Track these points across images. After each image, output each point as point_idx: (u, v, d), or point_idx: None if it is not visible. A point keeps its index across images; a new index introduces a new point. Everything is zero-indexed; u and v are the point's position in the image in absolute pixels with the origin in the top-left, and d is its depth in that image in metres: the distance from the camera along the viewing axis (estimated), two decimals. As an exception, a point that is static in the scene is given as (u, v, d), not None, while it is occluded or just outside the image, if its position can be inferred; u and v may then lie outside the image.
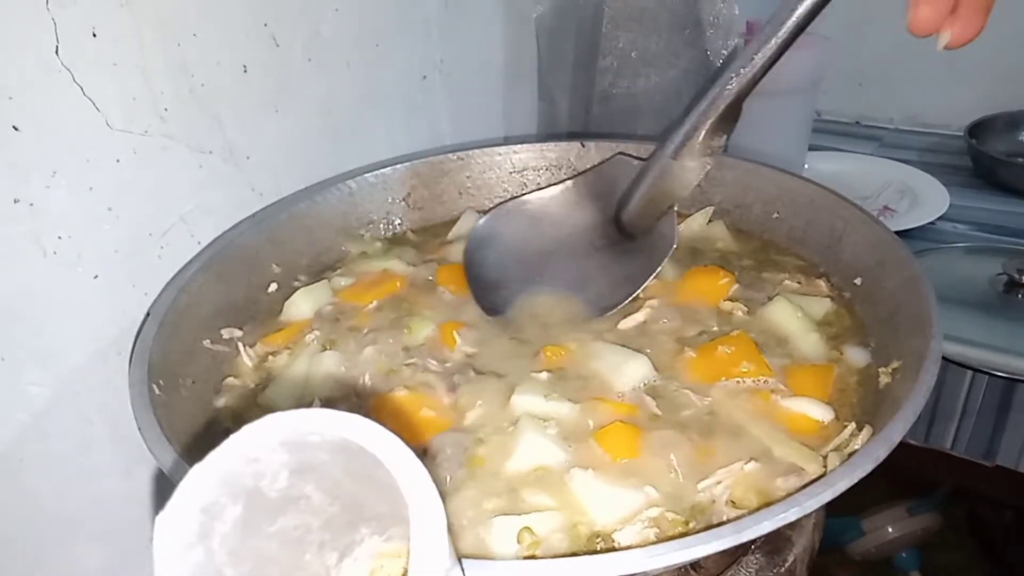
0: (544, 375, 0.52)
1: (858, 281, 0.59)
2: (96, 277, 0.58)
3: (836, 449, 0.43)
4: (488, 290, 0.63)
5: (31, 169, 0.52)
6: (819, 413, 0.47)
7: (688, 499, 0.42)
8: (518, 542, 0.39)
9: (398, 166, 0.76)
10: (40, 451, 0.56)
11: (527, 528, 0.39)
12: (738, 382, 0.50)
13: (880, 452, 0.36)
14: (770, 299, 0.58)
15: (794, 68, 1.03)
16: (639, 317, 0.58)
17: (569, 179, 0.70)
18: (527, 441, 0.45)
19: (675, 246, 0.59)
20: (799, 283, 0.61)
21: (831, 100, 1.39)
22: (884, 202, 1.14)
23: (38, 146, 0.52)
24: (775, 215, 0.69)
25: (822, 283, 0.61)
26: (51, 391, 0.56)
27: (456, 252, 0.70)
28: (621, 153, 0.68)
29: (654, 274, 0.59)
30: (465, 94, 0.95)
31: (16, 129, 0.51)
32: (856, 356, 0.53)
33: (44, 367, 0.55)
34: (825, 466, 0.42)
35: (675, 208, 0.60)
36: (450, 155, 0.78)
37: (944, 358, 0.44)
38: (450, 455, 0.46)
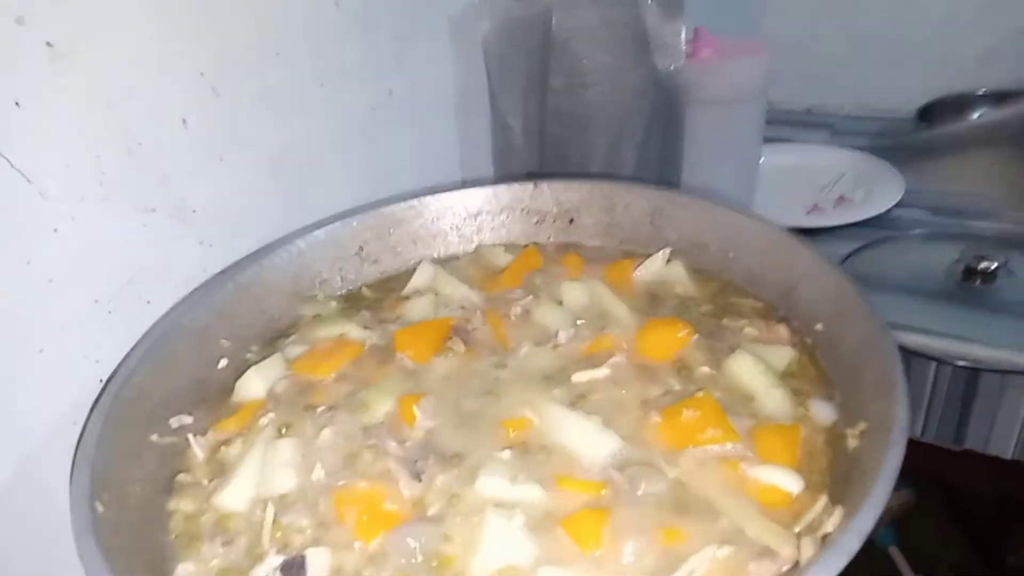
0: (507, 453, 0.50)
1: (819, 327, 0.58)
2: (42, 351, 0.55)
3: (809, 529, 0.43)
4: None
5: None
6: (789, 483, 0.46)
7: (658, 595, 0.41)
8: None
9: (348, 220, 0.74)
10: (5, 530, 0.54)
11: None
12: (705, 450, 0.49)
13: (853, 544, 0.35)
14: (732, 350, 0.58)
15: (743, 76, 1.03)
16: (599, 374, 0.57)
17: None
18: (494, 537, 0.44)
19: None
20: (759, 330, 0.61)
21: (781, 89, 1.40)
22: (840, 192, 1.15)
23: None
24: (731, 255, 0.68)
25: (782, 329, 0.61)
26: (10, 472, 0.54)
27: (414, 309, 0.69)
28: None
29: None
30: (419, 126, 0.93)
31: None
32: (822, 412, 0.52)
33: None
34: (799, 548, 0.41)
35: None
36: (401, 204, 0.76)
37: (907, 349, 0.44)
38: (416, 554, 0.44)
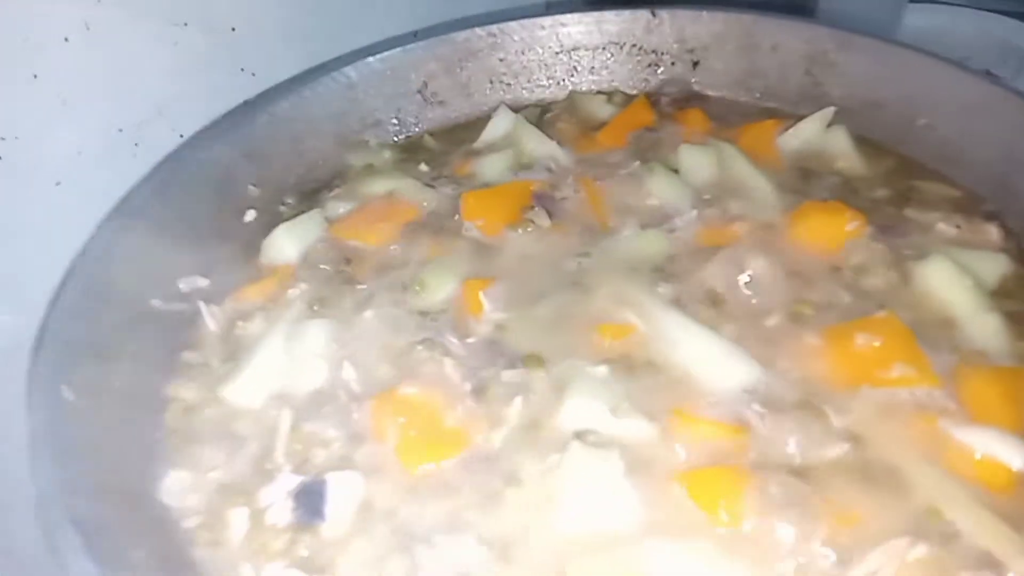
0: (603, 369, 0.37)
1: (1052, 229, 0.41)
2: (58, 184, 0.48)
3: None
4: None
5: None
6: (1012, 455, 0.32)
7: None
8: None
9: (411, 46, 0.58)
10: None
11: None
12: (890, 393, 0.35)
13: None
14: (921, 254, 0.42)
15: None
16: (732, 273, 0.42)
17: None
18: (581, 485, 0.32)
19: None
20: (958, 227, 0.44)
21: None
22: (987, 66, 0.93)
23: None
24: (920, 121, 0.50)
25: (992, 229, 0.44)
26: (12, 321, 0.45)
27: (488, 168, 0.54)
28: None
29: None
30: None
31: None
32: (1058, 351, 0.37)
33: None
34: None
35: None
36: (478, 30, 0.59)
37: None
38: (470, 501, 0.33)
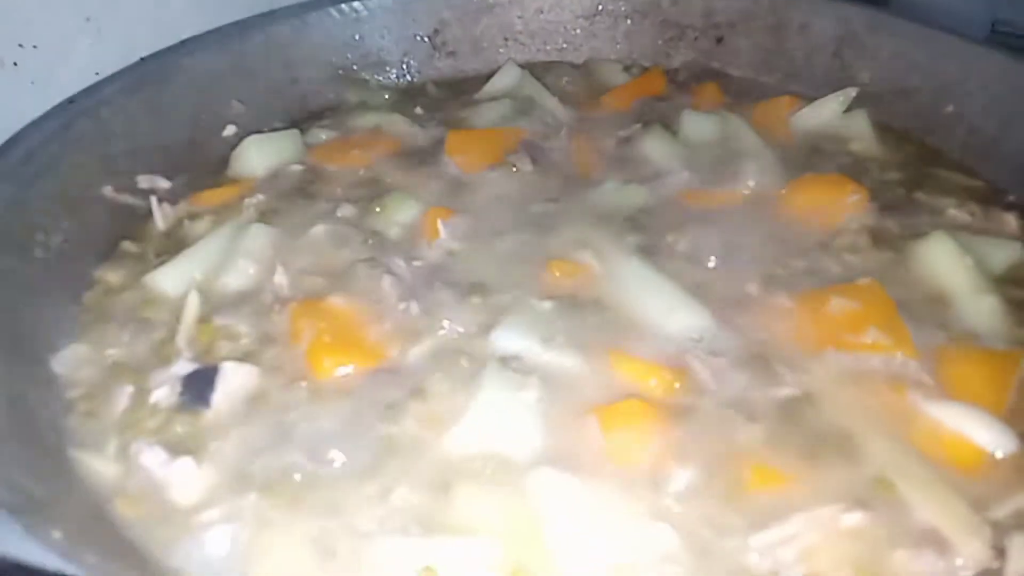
0: (548, 304, 0.34)
1: (1077, 223, 0.37)
2: (73, 102, 0.45)
3: (1020, 519, 0.24)
4: None
5: None
6: (988, 437, 0.27)
7: (730, 562, 0.24)
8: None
9: (426, -11, 0.56)
10: None
11: (429, 569, 0.23)
12: (856, 357, 0.31)
13: None
14: (920, 235, 0.37)
15: None
16: (708, 233, 0.39)
17: None
18: (486, 407, 0.28)
19: None
20: (972, 215, 0.40)
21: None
22: None
23: None
24: (949, 108, 0.46)
25: (1011, 219, 0.40)
26: None
27: (483, 115, 0.52)
28: None
29: None
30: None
31: None
32: (1061, 344, 0.32)
33: None
34: (1001, 553, 0.23)
35: None
36: (497, -18, 0.58)
37: None
38: (367, 410, 0.30)
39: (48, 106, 0.46)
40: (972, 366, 0.30)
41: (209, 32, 0.50)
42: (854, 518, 0.25)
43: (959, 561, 0.23)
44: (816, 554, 0.24)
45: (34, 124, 0.39)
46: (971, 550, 0.24)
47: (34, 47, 0.47)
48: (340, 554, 0.25)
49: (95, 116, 0.41)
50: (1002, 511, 0.25)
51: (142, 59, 0.46)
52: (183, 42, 0.49)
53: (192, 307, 0.34)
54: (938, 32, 0.47)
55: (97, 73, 0.48)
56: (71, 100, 0.42)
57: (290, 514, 0.26)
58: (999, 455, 0.27)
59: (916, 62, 0.48)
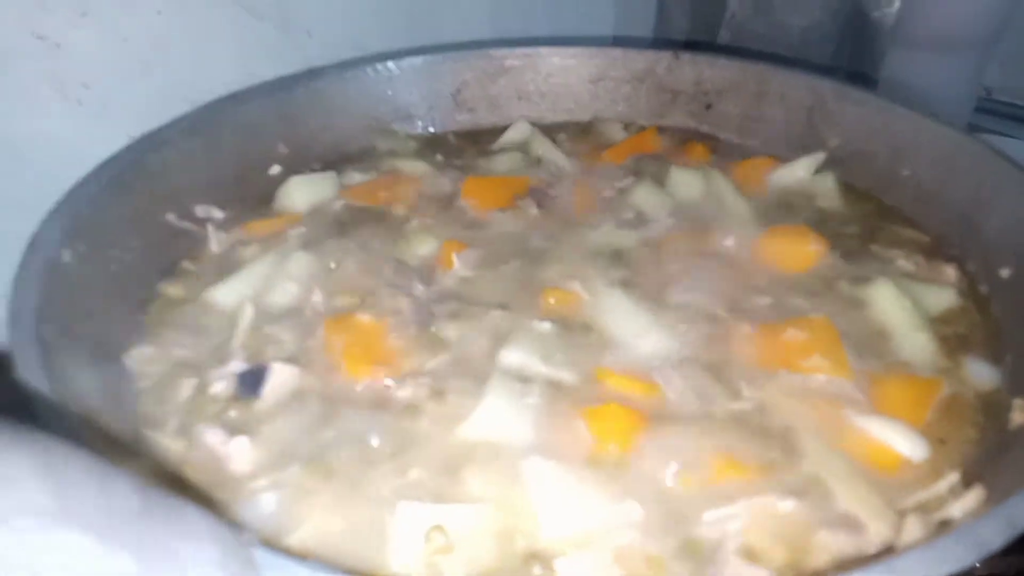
0: (547, 325, 0.40)
1: (1005, 273, 0.43)
2: (119, 132, 0.52)
3: (921, 508, 0.30)
4: None
5: (58, 5, 0.48)
6: (906, 445, 0.33)
7: (683, 531, 0.30)
8: (425, 543, 0.29)
9: (451, 53, 0.64)
10: None
11: (438, 527, 0.29)
12: (803, 379, 0.36)
13: (992, 537, 0.22)
14: (870, 280, 0.43)
15: (971, 13, 0.81)
16: (683, 270, 0.45)
17: None
18: (492, 406, 0.34)
19: None
20: (916, 265, 0.46)
21: (1003, 74, 1.13)
22: None
23: None
24: (904, 172, 0.53)
25: (949, 270, 0.45)
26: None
27: (497, 164, 0.59)
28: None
29: None
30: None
31: None
32: (979, 373, 0.38)
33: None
34: (899, 531, 0.28)
35: None
36: (514, 49, 0.65)
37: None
38: (391, 406, 0.35)
39: (108, 140, 0.53)
40: (900, 388, 0.36)
41: (260, 84, 0.58)
42: (788, 505, 0.30)
43: (868, 538, 0.29)
44: (755, 530, 0.29)
45: (113, 158, 0.46)
46: (878, 529, 0.29)
47: (90, 88, 0.54)
48: (364, 514, 0.30)
49: (161, 153, 0.48)
50: (908, 502, 0.30)
51: (203, 106, 0.54)
52: (236, 93, 0.57)
53: (247, 317, 0.40)
54: (893, 104, 0.54)
55: (148, 109, 0.56)
56: (141, 138, 0.49)
57: (324, 483, 0.32)
58: (914, 460, 0.33)
59: (875, 129, 0.55)
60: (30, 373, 0.30)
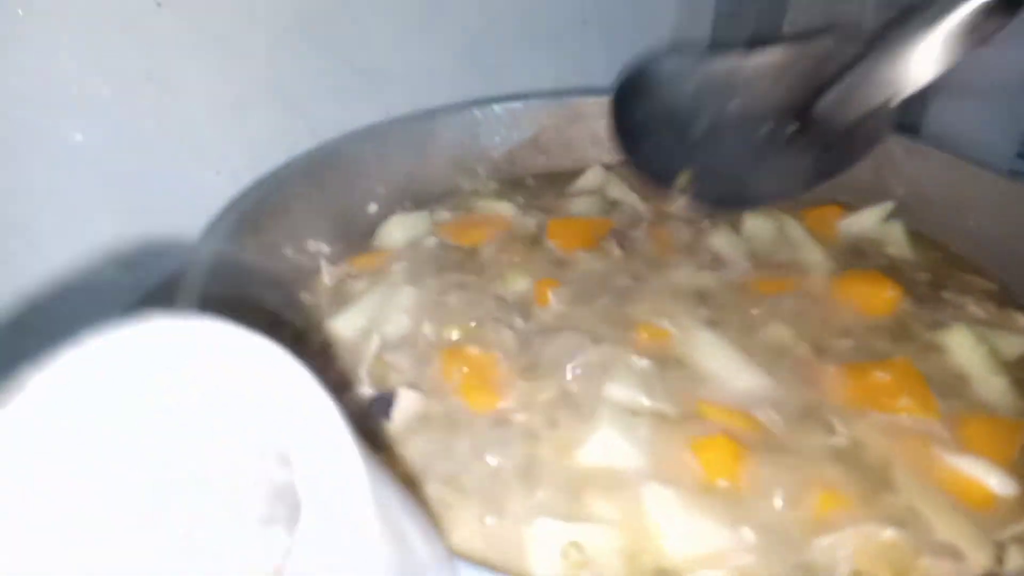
0: (644, 362, 0.43)
1: (1074, 323, 0.45)
2: (216, 170, 0.58)
3: (1018, 540, 0.32)
4: (636, 143, 0.56)
5: (167, 48, 0.51)
6: (996, 483, 0.36)
7: (795, 556, 0.32)
8: (562, 558, 0.32)
9: (530, 101, 0.68)
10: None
11: (574, 544, 0.32)
12: (892, 418, 0.39)
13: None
14: (945, 325, 0.46)
15: (1008, 61, 0.84)
16: (768, 311, 0.48)
17: (767, 46, 0.58)
18: (605, 435, 0.37)
19: (876, 145, 0.50)
20: (987, 312, 0.49)
21: None
22: None
23: (176, 26, 0.51)
24: (969, 222, 0.56)
25: (1021, 317, 0.48)
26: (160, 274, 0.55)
27: (575, 207, 0.63)
28: (838, 29, 0.56)
29: (834, 175, 0.51)
30: (626, 46, 0.85)
31: (159, 5, 0.50)
32: (1057, 418, 0.40)
33: (153, 252, 0.55)
34: (1002, 561, 0.31)
35: (894, 104, 0.49)
36: (588, 98, 0.69)
37: None
38: (512, 432, 0.39)
39: (206, 181, 0.58)
40: (985, 429, 0.39)
41: (363, 129, 0.62)
42: (890, 533, 0.33)
43: (970, 566, 0.31)
44: (863, 555, 0.32)
45: (242, 196, 0.50)
46: (977, 558, 0.31)
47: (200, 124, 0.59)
48: (503, 530, 0.33)
49: (281, 192, 0.53)
50: (1004, 534, 0.33)
51: (315, 148, 0.58)
52: (342, 136, 0.61)
53: (373, 346, 0.44)
54: (959, 159, 0.57)
55: (240, 148, 0.60)
56: (264, 178, 0.53)
57: (462, 499, 0.35)
58: (1004, 496, 0.35)
59: (942, 182, 0.58)
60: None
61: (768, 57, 0.56)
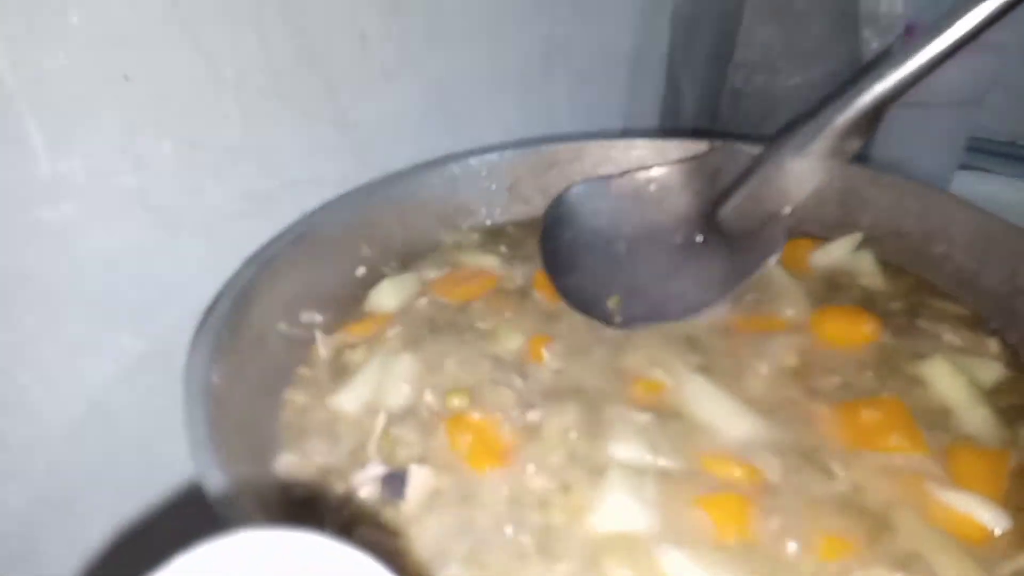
0: (646, 416, 0.45)
1: (1044, 347, 0.48)
2: (194, 236, 0.58)
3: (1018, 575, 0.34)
4: (564, 272, 0.58)
5: (139, 121, 0.51)
6: (988, 517, 0.37)
7: (811, 605, 0.34)
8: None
9: (506, 152, 0.70)
10: (128, 400, 0.56)
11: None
12: (886, 457, 0.41)
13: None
14: (924, 356, 0.48)
15: (956, 76, 0.89)
16: (753, 352, 0.50)
17: (664, 164, 0.64)
18: (615, 499, 0.38)
19: (777, 255, 0.53)
20: (962, 339, 0.51)
21: (982, 114, 1.21)
22: None
23: (147, 98, 0.51)
24: (938, 250, 0.58)
25: (992, 343, 0.51)
26: (144, 346, 0.56)
27: (558, 254, 0.64)
28: (727, 144, 0.61)
29: (746, 282, 0.53)
30: (587, 81, 0.88)
31: (127, 79, 0.50)
32: (1040, 443, 0.42)
33: (139, 322, 0.55)
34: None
35: (786, 212, 0.53)
36: (561, 145, 0.71)
37: None
38: (524, 500, 0.40)
39: (181, 241, 0.58)
40: (972, 461, 0.41)
41: (343, 195, 0.63)
42: (897, 576, 0.35)
43: (973, 604, 0.33)
44: (873, 600, 0.34)
45: (236, 276, 0.50)
46: (982, 596, 0.33)
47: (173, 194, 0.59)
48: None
49: (272, 266, 0.53)
50: (1004, 570, 0.35)
51: (301, 218, 0.59)
52: (324, 205, 0.62)
53: (380, 422, 0.44)
54: (925, 187, 0.60)
55: (218, 213, 0.61)
56: (255, 254, 0.54)
57: (483, 578, 0.36)
58: (997, 531, 0.37)
59: (908, 210, 0.60)
60: (226, 501, 0.35)
61: (667, 172, 0.63)
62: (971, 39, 0.43)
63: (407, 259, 0.64)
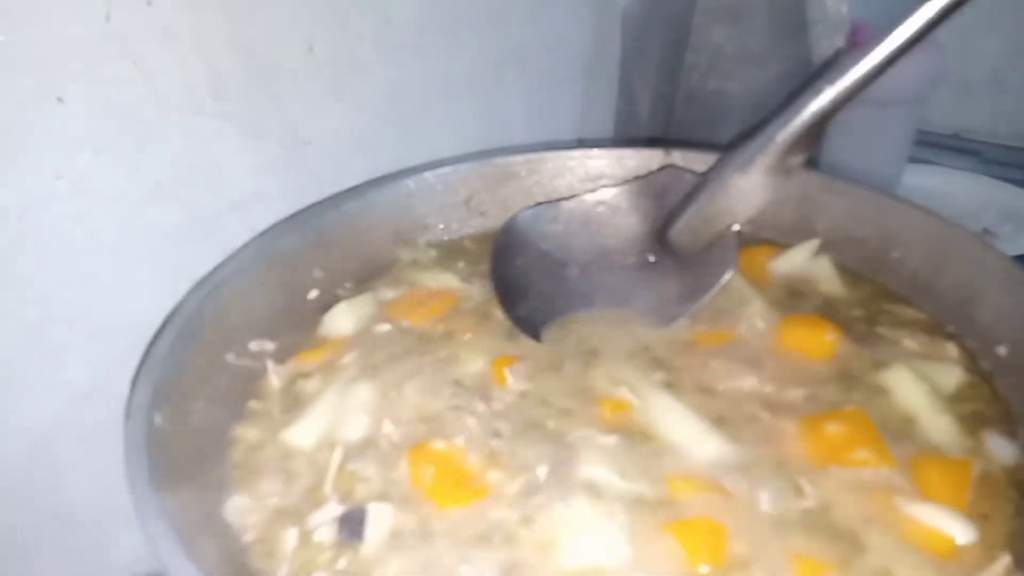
0: (613, 439, 0.43)
1: (1002, 351, 0.48)
2: (139, 261, 0.55)
3: (986, 590, 0.34)
4: (516, 299, 0.56)
5: (75, 144, 0.49)
6: (955, 529, 0.37)
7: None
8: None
9: (461, 166, 0.68)
10: (75, 436, 0.53)
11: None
12: (853, 472, 0.41)
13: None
14: (886, 365, 0.48)
15: (902, 75, 0.90)
16: (717, 367, 0.49)
17: (613, 186, 0.63)
18: (584, 530, 0.37)
19: (730, 274, 0.53)
20: (921, 345, 0.51)
21: (928, 109, 1.25)
22: (984, 224, 1.03)
23: (83, 120, 0.48)
24: (894, 255, 0.58)
25: (951, 347, 0.51)
26: (89, 377, 0.53)
27: (517, 268, 0.63)
28: (672, 166, 0.61)
29: (701, 302, 0.53)
30: (541, 87, 0.87)
31: (61, 101, 0.47)
32: (1001, 449, 0.43)
33: (84, 352, 0.52)
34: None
35: (735, 229, 0.53)
36: (518, 157, 0.70)
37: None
38: (488, 535, 0.38)
39: (120, 267, 0.55)
40: (937, 471, 0.41)
41: (293, 215, 0.61)
42: (870, 597, 0.34)
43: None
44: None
45: (179, 308, 0.48)
46: (954, 615, 0.33)
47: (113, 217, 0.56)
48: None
49: (218, 295, 0.51)
50: (971, 585, 0.35)
51: (249, 242, 0.56)
52: (274, 226, 0.60)
53: (336, 461, 0.42)
54: (878, 194, 0.60)
55: (164, 235, 0.58)
56: (199, 283, 0.51)
57: (450, 625, 0.34)
58: (963, 543, 0.37)
59: (863, 216, 0.61)
60: (166, 548, 0.32)
61: (616, 194, 0.62)
62: (913, 44, 0.43)
63: (362, 279, 0.62)
